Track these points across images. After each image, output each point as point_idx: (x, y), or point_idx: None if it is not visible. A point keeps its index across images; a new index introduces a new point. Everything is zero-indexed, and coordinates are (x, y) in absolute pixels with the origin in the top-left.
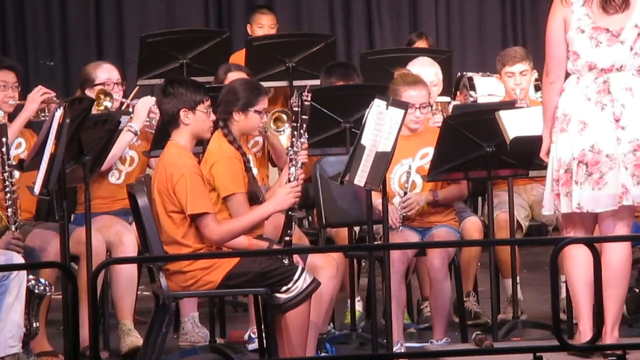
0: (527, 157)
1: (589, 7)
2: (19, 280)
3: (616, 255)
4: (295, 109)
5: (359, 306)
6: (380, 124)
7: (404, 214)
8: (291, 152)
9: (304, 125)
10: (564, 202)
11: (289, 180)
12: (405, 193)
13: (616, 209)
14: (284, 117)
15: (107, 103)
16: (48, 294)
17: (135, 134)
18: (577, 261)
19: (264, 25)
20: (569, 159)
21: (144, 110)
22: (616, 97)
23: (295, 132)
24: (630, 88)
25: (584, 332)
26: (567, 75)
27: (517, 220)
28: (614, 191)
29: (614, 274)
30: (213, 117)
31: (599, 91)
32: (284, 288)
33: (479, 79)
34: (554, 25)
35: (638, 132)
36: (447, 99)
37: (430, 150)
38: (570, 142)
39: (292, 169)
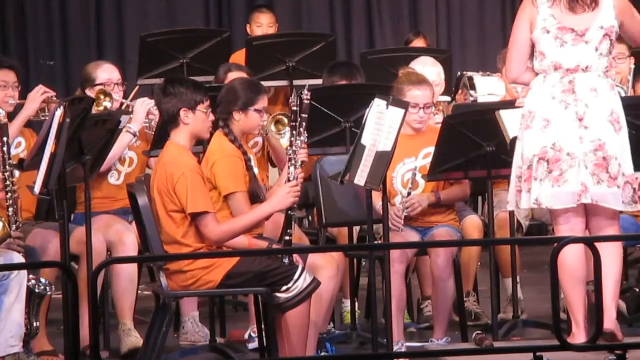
0: None
1: (556, 7)
2: (19, 280)
3: (607, 252)
4: (294, 108)
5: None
6: (380, 124)
7: (406, 214)
8: (290, 152)
9: (303, 124)
10: (525, 197)
11: (288, 180)
12: (409, 193)
13: (574, 206)
14: (285, 120)
15: (107, 103)
16: (48, 293)
17: (134, 135)
18: (567, 260)
19: (262, 24)
20: (530, 155)
21: (142, 111)
22: (580, 97)
23: (294, 132)
24: (595, 89)
25: (577, 335)
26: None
27: (517, 220)
28: (573, 189)
29: (608, 269)
30: (212, 117)
31: (564, 90)
32: (284, 287)
33: (479, 79)
34: (519, 25)
35: (600, 132)
36: (447, 98)
37: (433, 150)
38: (534, 138)
39: (291, 168)
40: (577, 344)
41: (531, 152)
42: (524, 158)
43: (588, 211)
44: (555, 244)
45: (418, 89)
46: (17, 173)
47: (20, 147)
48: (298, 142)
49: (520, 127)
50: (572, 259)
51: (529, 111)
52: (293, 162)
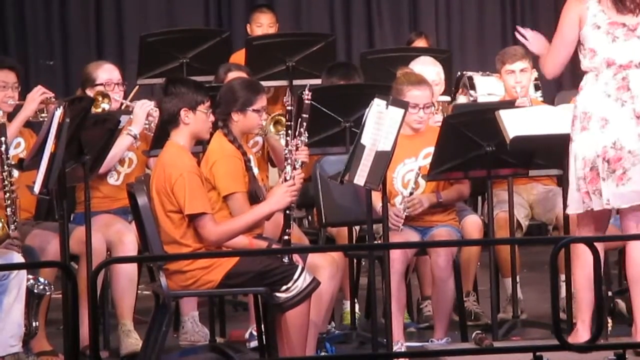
0: (527, 156)
1: (604, 5)
2: (19, 280)
3: None
4: (289, 107)
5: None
6: (380, 124)
7: (407, 214)
8: (286, 151)
9: (304, 124)
10: (595, 199)
11: (285, 180)
12: (411, 193)
13: (638, 204)
14: (284, 120)
15: (105, 105)
16: (48, 293)
17: (135, 137)
18: (583, 260)
19: (262, 24)
20: (592, 156)
21: (143, 113)
22: (636, 94)
23: (290, 132)
24: None
25: (582, 332)
26: (578, 70)
27: (517, 220)
28: (638, 187)
29: (638, 270)
30: (212, 118)
31: (618, 88)
32: (284, 287)
33: (479, 79)
34: (568, 23)
35: None
36: (447, 98)
37: (433, 150)
38: (593, 139)
39: (288, 167)
40: (576, 344)
41: (593, 153)
42: (585, 160)
43: (626, 209)
44: (554, 245)
45: (418, 89)
46: (16, 173)
47: (19, 148)
48: (299, 142)
49: (574, 128)
50: (591, 260)
51: (583, 112)
52: (290, 161)
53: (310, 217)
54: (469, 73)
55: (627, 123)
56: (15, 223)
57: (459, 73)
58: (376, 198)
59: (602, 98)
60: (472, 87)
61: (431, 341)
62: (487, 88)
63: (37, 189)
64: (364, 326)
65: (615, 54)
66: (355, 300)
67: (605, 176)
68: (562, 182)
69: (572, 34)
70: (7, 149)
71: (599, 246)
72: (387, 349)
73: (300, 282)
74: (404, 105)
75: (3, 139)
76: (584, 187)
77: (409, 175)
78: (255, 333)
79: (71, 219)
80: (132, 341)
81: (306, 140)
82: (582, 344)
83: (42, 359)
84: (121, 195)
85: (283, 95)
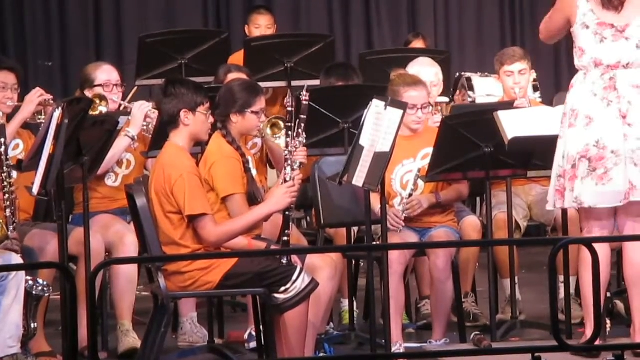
0: (525, 157)
1: (592, 3)
2: (18, 281)
3: (639, 254)
4: (289, 109)
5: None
6: (378, 124)
7: (406, 215)
8: (286, 153)
9: (302, 125)
10: (568, 197)
11: (285, 181)
12: (411, 195)
13: (621, 205)
14: (281, 124)
15: (103, 108)
16: (46, 294)
17: (133, 139)
18: (589, 262)
19: (260, 25)
20: (575, 154)
21: (140, 115)
22: (622, 94)
23: (290, 133)
24: (637, 85)
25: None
26: (576, 71)
27: (516, 221)
28: (619, 188)
29: (637, 271)
30: (211, 119)
31: (605, 87)
32: (283, 288)
33: (477, 80)
34: (556, 16)
35: None
36: (445, 99)
37: (431, 151)
38: (578, 137)
39: (288, 169)
40: (575, 345)
41: (575, 150)
42: (568, 157)
43: (621, 210)
44: (553, 246)
45: (415, 90)
46: (15, 174)
47: (18, 149)
48: (294, 143)
49: (562, 125)
50: (600, 261)
51: (571, 109)
52: (290, 162)
53: (308, 218)
54: (468, 74)
55: (612, 123)
56: (15, 224)
57: (458, 74)
58: (375, 199)
59: (589, 97)
60: (471, 88)
61: (430, 342)
62: (485, 89)
63: (35, 190)
64: (363, 327)
65: (603, 55)
66: (354, 301)
67: (585, 174)
68: None
69: (559, 24)
70: (6, 150)
71: (605, 247)
72: (385, 350)
73: (299, 283)
74: (403, 106)
75: (2, 140)
76: (559, 185)
77: (407, 177)
78: (254, 334)
79: (70, 220)
80: (131, 340)
81: (304, 141)
82: (581, 345)
83: None
84: (119, 196)
85: (282, 97)
